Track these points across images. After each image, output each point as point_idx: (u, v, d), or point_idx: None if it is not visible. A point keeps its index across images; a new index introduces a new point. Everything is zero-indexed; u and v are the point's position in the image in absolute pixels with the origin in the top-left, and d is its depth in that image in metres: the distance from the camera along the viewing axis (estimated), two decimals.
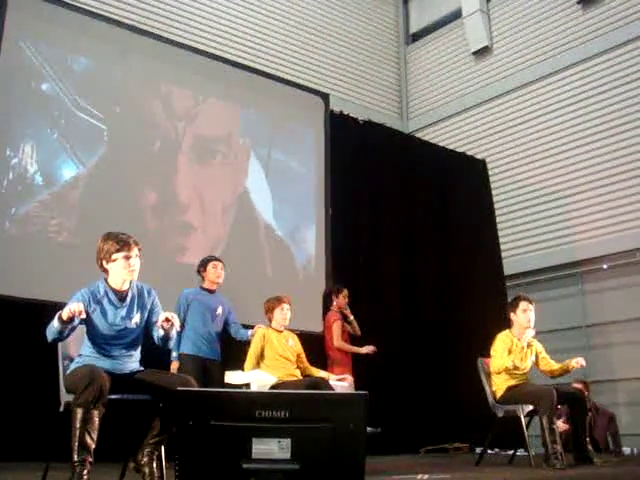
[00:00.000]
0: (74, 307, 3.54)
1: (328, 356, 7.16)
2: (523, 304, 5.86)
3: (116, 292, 3.93)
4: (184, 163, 7.40)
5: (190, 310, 5.98)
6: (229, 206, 7.67)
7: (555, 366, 5.88)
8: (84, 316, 3.64)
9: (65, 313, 3.56)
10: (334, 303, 7.30)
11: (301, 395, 2.73)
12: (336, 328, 7.13)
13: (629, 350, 10.09)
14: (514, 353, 5.69)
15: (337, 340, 7.09)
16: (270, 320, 5.91)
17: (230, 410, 2.20)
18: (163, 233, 7.10)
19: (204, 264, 6.18)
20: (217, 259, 6.25)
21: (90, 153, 6.78)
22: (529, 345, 5.85)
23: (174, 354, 5.82)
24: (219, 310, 6.09)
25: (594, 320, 10.62)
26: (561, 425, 6.64)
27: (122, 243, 3.88)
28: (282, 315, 5.86)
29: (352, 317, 7.37)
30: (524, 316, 5.82)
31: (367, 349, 7.09)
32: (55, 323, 3.63)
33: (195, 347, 5.91)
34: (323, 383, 5.53)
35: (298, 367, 5.88)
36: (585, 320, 10.69)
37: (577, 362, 5.73)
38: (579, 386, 7.69)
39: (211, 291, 6.13)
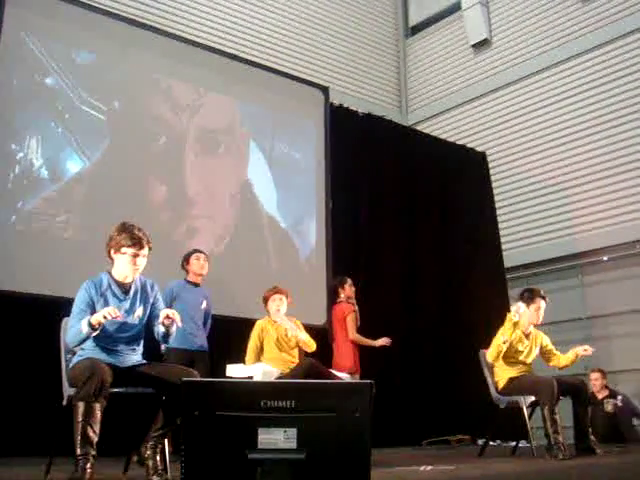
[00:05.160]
0: (111, 312, 3.60)
1: (334, 348, 7.07)
2: (540, 302, 5.76)
3: (120, 284, 3.94)
4: (189, 156, 7.39)
5: (175, 303, 5.91)
6: (234, 199, 7.66)
7: (562, 360, 5.83)
8: (121, 317, 3.72)
9: (96, 319, 3.61)
10: (342, 295, 7.24)
11: (307, 385, 2.74)
12: (350, 320, 7.04)
13: (629, 342, 10.09)
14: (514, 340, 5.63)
15: (352, 333, 6.98)
16: (267, 312, 5.92)
17: (235, 400, 2.20)
18: (170, 226, 7.09)
19: (186, 257, 6.22)
20: (200, 251, 6.27)
21: (95, 147, 6.76)
22: (534, 337, 5.80)
23: (162, 347, 5.73)
24: (203, 304, 6.13)
25: (594, 312, 10.63)
26: None
27: (135, 240, 3.89)
28: (273, 305, 5.82)
29: (357, 307, 7.25)
30: (536, 314, 5.76)
31: (382, 341, 7.00)
32: (84, 329, 3.65)
33: (181, 339, 5.65)
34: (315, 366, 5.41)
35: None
36: (585, 312, 10.69)
37: (585, 350, 5.69)
38: (596, 375, 8.01)
39: (196, 284, 6.16)
